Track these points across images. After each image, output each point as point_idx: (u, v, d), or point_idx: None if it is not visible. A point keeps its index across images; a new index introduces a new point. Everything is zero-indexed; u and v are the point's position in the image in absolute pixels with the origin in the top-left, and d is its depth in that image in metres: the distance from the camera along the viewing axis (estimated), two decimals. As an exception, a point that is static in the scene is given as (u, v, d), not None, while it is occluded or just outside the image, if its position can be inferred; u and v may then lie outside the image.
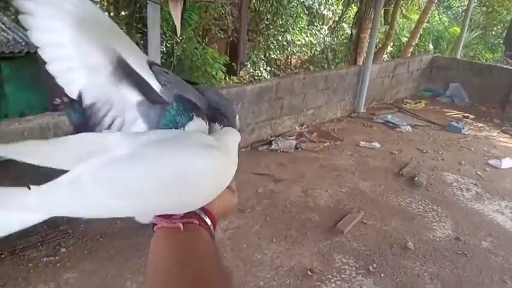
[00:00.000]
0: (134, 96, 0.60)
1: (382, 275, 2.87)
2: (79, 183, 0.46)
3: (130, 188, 0.48)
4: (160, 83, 0.61)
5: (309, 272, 2.84)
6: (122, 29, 6.64)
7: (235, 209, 0.70)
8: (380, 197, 3.88)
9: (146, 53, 3.48)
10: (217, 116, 0.67)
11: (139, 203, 0.50)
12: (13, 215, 0.45)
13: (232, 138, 0.62)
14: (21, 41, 5.60)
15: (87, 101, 0.59)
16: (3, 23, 5.88)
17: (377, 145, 5.03)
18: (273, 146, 4.76)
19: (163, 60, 7.56)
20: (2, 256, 2.75)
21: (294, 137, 5.03)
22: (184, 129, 0.58)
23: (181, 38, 7.70)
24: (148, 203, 0.51)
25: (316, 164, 4.50)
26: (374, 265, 2.96)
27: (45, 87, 4.73)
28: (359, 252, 3.08)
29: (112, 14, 7.75)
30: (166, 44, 7.86)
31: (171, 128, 0.60)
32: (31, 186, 0.44)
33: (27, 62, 5.56)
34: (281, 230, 3.27)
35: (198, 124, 0.61)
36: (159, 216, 0.56)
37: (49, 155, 0.49)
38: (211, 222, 0.59)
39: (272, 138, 4.96)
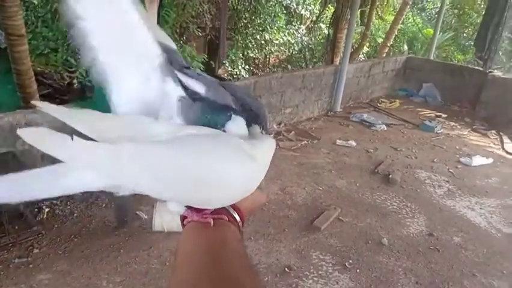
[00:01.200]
0: (176, 92, 0.58)
1: (358, 270, 2.93)
2: (118, 154, 0.47)
3: (160, 174, 0.49)
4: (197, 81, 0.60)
5: (286, 269, 2.86)
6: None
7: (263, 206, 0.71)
8: (355, 195, 3.95)
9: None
10: (253, 118, 0.64)
11: (166, 190, 0.51)
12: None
13: (269, 147, 0.62)
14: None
15: (123, 107, 0.58)
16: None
17: (353, 143, 5.12)
18: (251, 145, 4.76)
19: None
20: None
21: (272, 135, 5.04)
22: (224, 130, 0.57)
23: (158, 36, 7.61)
24: (174, 192, 0.52)
25: (294, 162, 4.54)
26: (350, 261, 3.01)
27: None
28: (336, 249, 3.13)
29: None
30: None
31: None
32: (74, 137, 0.45)
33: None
34: (259, 228, 3.28)
35: (237, 123, 0.59)
36: (190, 208, 0.56)
37: (98, 127, 0.50)
38: (240, 218, 0.60)
39: (250, 137, 4.96)
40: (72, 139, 0.45)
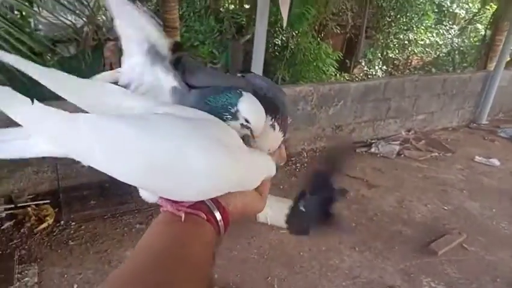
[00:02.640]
0: (169, 82, 0.57)
1: (477, 310, 2.50)
2: (75, 122, 0.45)
3: (116, 151, 0.46)
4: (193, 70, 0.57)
5: (389, 289, 2.60)
6: (243, 21, 6.91)
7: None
8: (489, 222, 3.38)
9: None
10: (266, 104, 0.57)
11: (123, 170, 0.47)
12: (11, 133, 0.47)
13: (263, 160, 0.56)
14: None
15: (123, 80, 0.58)
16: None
17: (496, 163, 4.39)
18: (372, 149, 4.48)
19: (277, 53, 7.67)
20: (105, 217, 3.07)
21: (398, 142, 4.66)
22: (237, 109, 0.51)
23: (296, 32, 7.71)
24: (132, 175, 0.47)
25: (419, 174, 4.11)
26: (469, 297, 2.59)
27: None
28: (453, 279, 2.72)
29: (235, 6, 8.09)
30: (281, 38, 7.94)
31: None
32: (35, 101, 0.45)
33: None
34: (366, 239, 3.05)
35: (250, 100, 0.52)
36: (165, 198, 0.52)
37: (73, 90, 0.49)
38: (223, 219, 0.53)
39: (373, 141, 4.67)
40: (32, 103, 0.44)
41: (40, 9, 2.97)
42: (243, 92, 0.51)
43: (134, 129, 0.45)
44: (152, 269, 0.43)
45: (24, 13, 2.95)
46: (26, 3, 2.54)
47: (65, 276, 2.48)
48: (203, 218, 0.51)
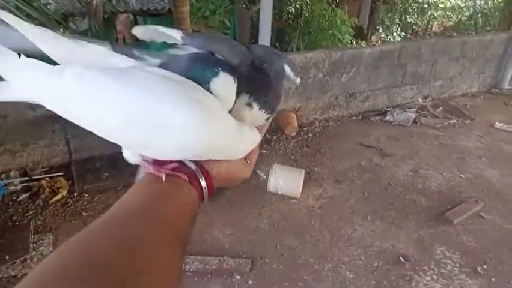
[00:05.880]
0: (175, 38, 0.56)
1: (493, 279, 2.45)
2: (61, 74, 0.45)
3: (97, 100, 0.45)
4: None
5: (402, 258, 2.57)
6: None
7: (244, 181, 0.61)
8: (508, 190, 3.27)
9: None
10: (249, 81, 0.54)
11: (101, 123, 0.47)
12: None
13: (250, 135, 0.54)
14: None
15: None
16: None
17: (518, 129, 4.23)
18: (387, 117, 4.36)
19: (290, 21, 7.46)
20: (117, 189, 3.10)
21: (414, 109, 4.52)
22: (208, 87, 0.49)
23: (310, -1, 7.47)
24: (109, 127, 0.47)
25: (435, 142, 3.99)
26: (484, 266, 2.53)
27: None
28: (468, 248, 2.67)
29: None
30: (295, 5, 7.70)
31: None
32: (22, 56, 0.46)
33: (167, 18, 6.06)
34: (378, 209, 3.01)
35: (224, 81, 0.50)
36: (147, 160, 0.51)
37: (61, 49, 0.49)
38: (207, 184, 0.52)
39: (388, 109, 4.54)
40: (19, 57, 0.45)
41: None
42: (220, 72, 0.49)
43: (114, 80, 0.45)
44: (121, 222, 0.43)
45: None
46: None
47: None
48: (184, 179, 0.50)
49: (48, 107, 0.48)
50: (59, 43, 0.49)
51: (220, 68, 0.49)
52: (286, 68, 0.56)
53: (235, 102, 0.50)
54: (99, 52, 0.51)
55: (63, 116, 0.48)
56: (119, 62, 0.50)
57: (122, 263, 0.37)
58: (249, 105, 0.52)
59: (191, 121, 0.44)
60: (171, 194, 0.48)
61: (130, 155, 0.53)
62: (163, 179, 0.49)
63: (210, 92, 0.48)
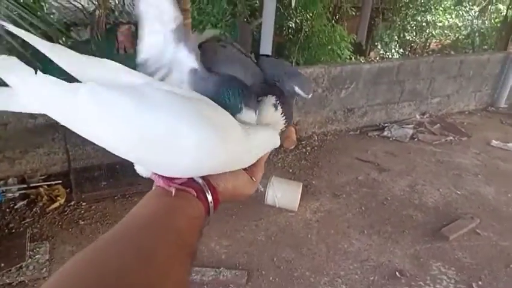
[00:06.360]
0: (189, 62, 0.57)
1: (488, 296, 2.45)
2: (76, 90, 0.46)
3: (111, 118, 0.46)
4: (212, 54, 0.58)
5: (397, 273, 2.57)
6: (256, 3, 6.81)
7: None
8: (504, 207, 3.30)
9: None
10: (270, 91, 0.59)
11: (115, 141, 0.48)
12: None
13: (264, 134, 0.56)
14: None
15: (142, 55, 0.59)
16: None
17: (514, 147, 4.27)
18: (385, 133, 4.40)
19: (290, 36, 7.56)
20: (115, 198, 3.10)
21: (411, 126, 4.57)
22: (241, 107, 0.54)
23: (310, 15, 7.57)
24: (123, 145, 0.48)
25: (432, 158, 4.03)
26: (480, 283, 2.54)
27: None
28: (464, 265, 2.68)
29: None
30: (295, 20, 7.81)
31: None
32: (38, 72, 0.46)
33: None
34: (375, 223, 3.02)
35: (247, 117, 0.54)
36: (158, 174, 0.53)
37: (78, 66, 0.50)
38: (213, 199, 0.54)
39: (386, 125, 4.58)
40: (36, 73, 0.45)
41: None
42: (243, 109, 0.54)
43: (129, 99, 0.46)
44: (135, 234, 0.44)
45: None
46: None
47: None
48: (193, 195, 0.52)
49: (58, 120, 0.48)
50: (72, 58, 0.50)
51: (243, 104, 0.53)
52: (297, 89, 0.60)
53: (263, 101, 0.54)
54: (113, 68, 0.52)
55: (74, 131, 0.48)
56: (133, 78, 0.51)
57: (139, 276, 0.39)
58: (275, 106, 0.56)
59: (204, 144, 0.47)
60: (181, 208, 0.50)
61: (142, 170, 0.55)
62: (173, 193, 0.50)
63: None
